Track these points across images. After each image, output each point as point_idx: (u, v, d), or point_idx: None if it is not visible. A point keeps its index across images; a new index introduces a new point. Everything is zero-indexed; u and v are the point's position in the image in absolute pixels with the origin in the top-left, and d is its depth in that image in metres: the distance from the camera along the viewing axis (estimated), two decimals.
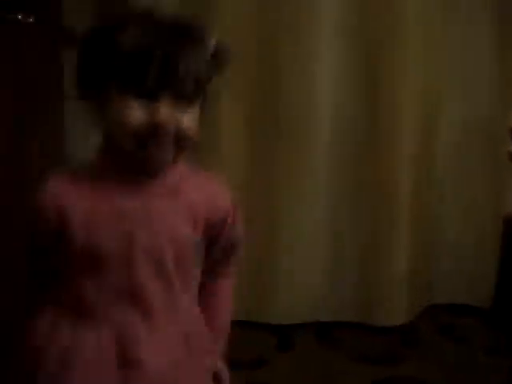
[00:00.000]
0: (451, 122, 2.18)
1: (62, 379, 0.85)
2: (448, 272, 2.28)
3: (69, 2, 2.01)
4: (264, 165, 2.04)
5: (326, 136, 2.04)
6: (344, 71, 2.02)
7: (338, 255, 2.13)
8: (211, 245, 0.95)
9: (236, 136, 2.03)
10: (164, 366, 0.87)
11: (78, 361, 0.85)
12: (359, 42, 2.00)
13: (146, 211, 0.86)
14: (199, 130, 0.86)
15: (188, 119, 0.82)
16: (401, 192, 2.07)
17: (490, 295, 2.28)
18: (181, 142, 0.82)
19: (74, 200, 0.84)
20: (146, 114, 0.78)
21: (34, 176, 1.90)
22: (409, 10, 1.99)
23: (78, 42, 0.85)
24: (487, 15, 2.13)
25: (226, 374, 1.00)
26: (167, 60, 0.77)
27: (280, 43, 1.95)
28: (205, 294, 0.97)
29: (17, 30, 1.73)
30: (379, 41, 1.99)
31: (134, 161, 0.83)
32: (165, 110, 0.79)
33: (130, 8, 0.88)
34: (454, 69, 2.14)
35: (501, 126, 2.20)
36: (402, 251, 2.11)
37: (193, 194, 0.90)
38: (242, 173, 2.05)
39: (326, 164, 2.07)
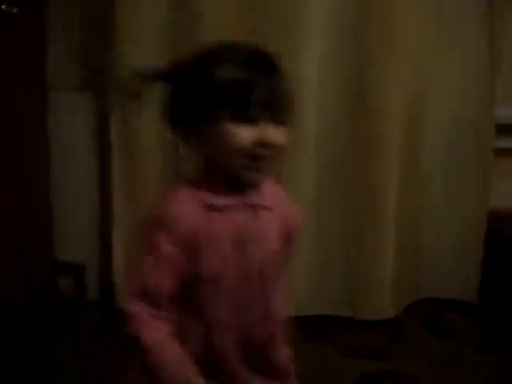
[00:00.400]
0: (438, 120, 2.20)
1: None
2: (435, 267, 2.30)
3: None
4: None
5: (313, 134, 2.05)
6: (332, 68, 2.03)
7: (326, 250, 2.15)
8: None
9: None
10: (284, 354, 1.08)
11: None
12: (348, 39, 2.01)
13: (256, 226, 0.98)
14: None
15: (283, 135, 0.95)
16: (388, 188, 2.10)
17: (476, 290, 2.31)
18: (277, 156, 0.95)
19: (201, 219, 0.93)
20: (254, 135, 0.91)
21: (21, 176, 1.89)
22: (398, 9, 2.01)
23: (173, 77, 0.97)
24: (476, 14, 2.15)
25: None
26: (268, 90, 0.92)
27: (269, 38, 1.93)
28: None
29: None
30: (368, 39, 2.01)
31: (236, 179, 0.95)
32: (270, 130, 0.93)
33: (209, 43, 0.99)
34: (441, 68, 2.16)
35: (487, 123, 2.23)
36: (388, 245, 2.13)
37: (278, 208, 1.01)
38: None
39: (312, 166, 2.08)
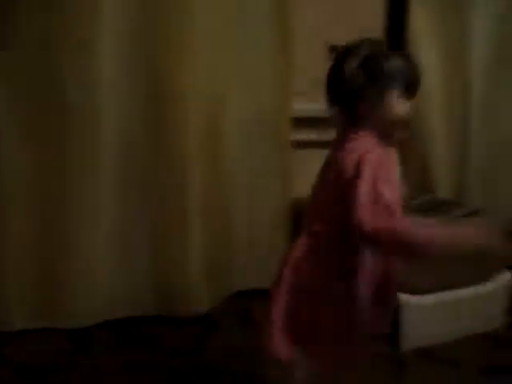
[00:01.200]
0: (237, 116, 2.30)
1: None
2: (245, 259, 2.39)
3: None
4: (50, 169, 2.06)
5: (112, 137, 2.08)
6: (127, 72, 2.07)
7: (130, 250, 2.18)
8: None
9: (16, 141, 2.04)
10: None
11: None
12: (142, 42, 2.06)
13: None
14: None
15: None
16: (190, 187, 2.19)
17: None
18: None
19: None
20: (407, 109, 1.34)
21: None
22: (195, 14, 2.11)
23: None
24: (270, 19, 2.29)
25: None
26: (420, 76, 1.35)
27: (61, 48, 1.99)
28: None
29: None
30: (163, 42, 2.07)
31: (384, 136, 1.35)
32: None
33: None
34: (237, 66, 2.26)
35: (284, 117, 2.38)
36: (196, 241, 2.22)
37: None
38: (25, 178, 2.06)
39: (113, 165, 2.11)
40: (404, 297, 2.04)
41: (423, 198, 2.52)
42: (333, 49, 1.35)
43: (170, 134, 2.14)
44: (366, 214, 1.18)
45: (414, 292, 2.05)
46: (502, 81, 2.69)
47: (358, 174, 1.22)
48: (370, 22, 2.41)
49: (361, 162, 1.23)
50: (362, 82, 1.29)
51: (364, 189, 1.20)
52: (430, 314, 2.07)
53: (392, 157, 1.30)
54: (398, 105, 1.31)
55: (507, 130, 2.73)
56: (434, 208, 2.38)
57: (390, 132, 1.34)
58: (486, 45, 2.63)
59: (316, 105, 2.37)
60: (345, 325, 1.31)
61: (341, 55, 1.34)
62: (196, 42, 2.10)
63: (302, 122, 2.36)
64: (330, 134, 2.45)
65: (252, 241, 2.40)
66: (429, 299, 2.08)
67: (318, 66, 2.48)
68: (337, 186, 1.28)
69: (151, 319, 2.20)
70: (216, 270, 2.31)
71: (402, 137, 1.36)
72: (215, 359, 1.95)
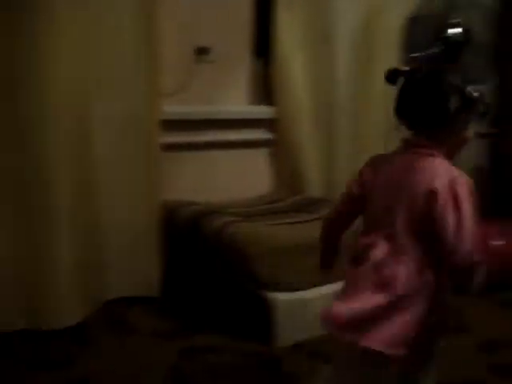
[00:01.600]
0: (107, 119, 2.25)
1: None
2: (117, 266, 2.34)
3: None
4: None
5: None
6: None
7: None
8: None
9: None
10: None
11: None
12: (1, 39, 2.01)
13: None
14: None
15: None
16: (57, 192, 2.13)
17: (158, 283, 2.41)
18: None
19: None
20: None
21: None
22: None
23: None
24: (137, 19, 2.25)
25: None
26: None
27: None
28: None
29: None
30: (25, 40, 2.02)
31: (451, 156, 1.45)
32: None
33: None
34: (104, 66, 2.24)
35: (152, 120, 2.34)
36: (64, 250, 2.14)
37: None
38: None
39: None
40: (273, 295, 2.09)
41: (295, 198, 2.72)
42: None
43: (36, 132, 2.07)
44: (470, 247, 1.27)
45: (283, 289, 2.10)
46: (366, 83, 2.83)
47: (456, 202, 1.30)
48: (238, 23, 2.57)
49: (458, 190, 1.30)
50: (458, 107, 1.36)
51: (468, 222, 1.28)
52: (301, 310, 2.11)
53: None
54: (471, 130, 1.42)
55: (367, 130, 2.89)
56: (305, 207, 2.59)
57: (456, 154, 1.43)
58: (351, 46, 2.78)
59: (185, 107, 2.47)
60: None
61: (428, 77, 1.39)
62: (60, 40, 2.06)
63: (171, 125, 2.37)
64: (198, 137, 2.54)
65: (122, 246, 2.35)
66: (298, 295, 2.13)
67: (187, 68, 2.57)
68: (426, 205, 1.32)
69: (20, 333, 2.12)
70: (86, 279, 2.24)
71: None
72: (87, 371, 1.89)
